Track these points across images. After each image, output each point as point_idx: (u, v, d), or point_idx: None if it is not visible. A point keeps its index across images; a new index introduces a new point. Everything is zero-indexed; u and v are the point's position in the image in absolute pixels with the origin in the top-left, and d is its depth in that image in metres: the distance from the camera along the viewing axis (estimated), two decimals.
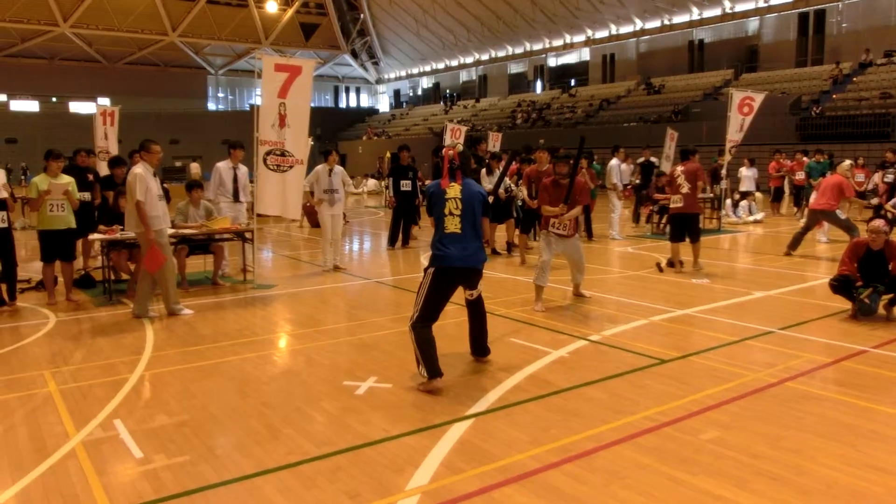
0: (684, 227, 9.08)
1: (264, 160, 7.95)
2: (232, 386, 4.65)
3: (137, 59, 48.79)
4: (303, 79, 7.95)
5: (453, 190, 4.75)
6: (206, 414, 4.12)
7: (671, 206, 9.23)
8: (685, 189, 8.99)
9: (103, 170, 10.16)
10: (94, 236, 7.52)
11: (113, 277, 7.85)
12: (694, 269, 9.06)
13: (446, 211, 4.72)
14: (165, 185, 23.37)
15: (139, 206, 6.37)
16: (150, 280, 6.62)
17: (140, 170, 6.48)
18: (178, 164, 41.08)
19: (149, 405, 4.29)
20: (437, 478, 3.25)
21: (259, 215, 8.92)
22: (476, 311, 5.06)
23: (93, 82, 46.76)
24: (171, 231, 7.82)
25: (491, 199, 5.53)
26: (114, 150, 14.05)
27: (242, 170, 8.88)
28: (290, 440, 3.73)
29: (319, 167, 9.53)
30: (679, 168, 9.19)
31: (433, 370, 4.47)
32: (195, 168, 35.20)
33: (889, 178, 15.09)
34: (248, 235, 8.41)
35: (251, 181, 8.87)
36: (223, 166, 8.90)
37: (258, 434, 3.81)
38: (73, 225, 7.37)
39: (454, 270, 4.71)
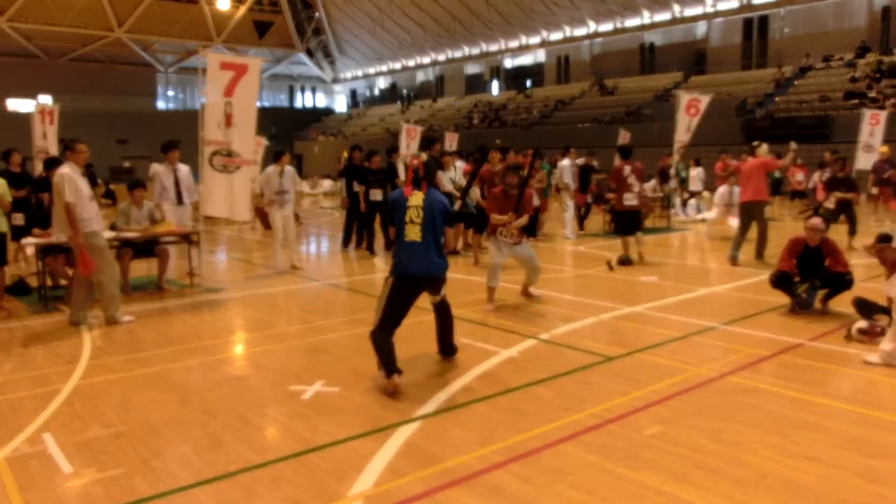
0: (633, 222, 9.63)
1: (210, 160, 7.77)
2: (173, 394, 4.51)
3: (81, 55, 47.05)
4: (249, 77, 7.80)
5: (416, 198, 4.78)
6: (144, 424, 3.99)
7: (625, 203, 9.56)
8: (636, 188, 9.54)
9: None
10: (27, 240, 7.19)
11: (50, 283, 7.55)
12: (641, 259, 9.61)
13: (407, 219, 4.75)
14: (112, 186, 22.52)
15: (69, 207, 6.06)
16: (87, 285, 6.36)
17: (67, 170, 6.16)
18: (126, 164, 39.86)
19: (82, 417, 4.11)
20: (381, 482, 3.21)
21: (209, 217, 8.73)
22: (442, 313, 5.12)
23: (33, 79, 44.75)
24: (111, 234, 7.58)
25: (458, 204, 5.62)
26: (53, 150, 13.57)
27: (183, 170, 8.61)
28: (231, 449, 3.63)
29: (270, 168, 9.45)
30: (627, 167, 9.57)
31: (391, 368, 4.46)
32: (156, 168, 34.15)
33: (826, 176, 15.63)
34: (193, 238, 8.18)
35: (197, 181, 8.65)
36: (161, 170, 8.59)
37: (198, 443, 3.70)
38: (4, 229, 7.04)
39: (413, 279, 4.75)
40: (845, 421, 3.93)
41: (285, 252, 9.55)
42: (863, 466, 3.34)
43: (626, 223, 9.69)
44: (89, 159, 9.59)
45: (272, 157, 9.62)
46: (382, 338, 4.60)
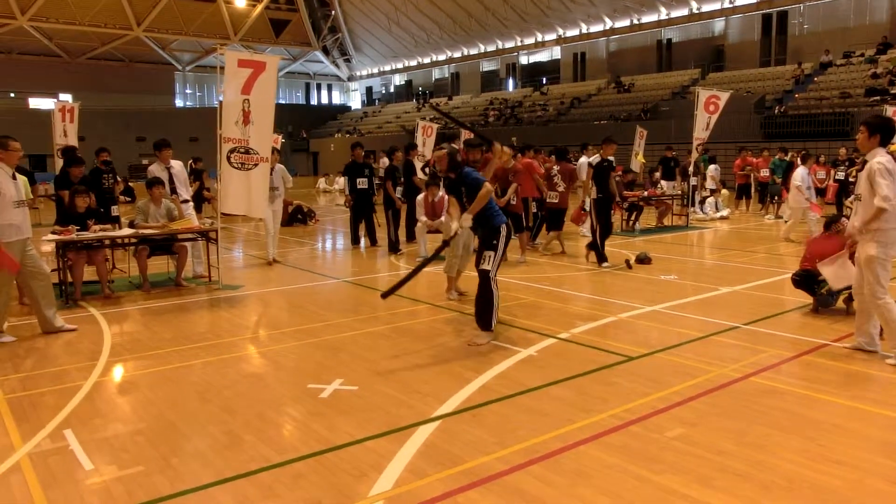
0: (559, 219, 10.42)
1: (228, 158, 7.78)
2: (192, 391, 4.52)
3: (101, 53, 47.55)
4: (267, 75, 7.79)
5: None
6: (164, 421, 3.99)
7: (548, 200, 10.40)
8: (561, 188, 10.35)
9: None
10: (48, 237, 7.25)
11: (70, 279, 7.60)
12: (556, 252, 10.40)
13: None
14: (130, 183, 22.76)
15: None
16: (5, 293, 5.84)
17: None
18: (144, 161, 40.28)
19: (103, 414, 4.13)
20: (401, 483, 3.18)
21: (226, 214, 8.79)
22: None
23: (54, 77, 45.43)
24: (129, 231, 7.63)
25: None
26: None
27: (176, 167, 8.69)
28: (250, 447, 3.62)
29: None
30: (555, 167, 10.46)
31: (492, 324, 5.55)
32: (151, 167, 34.52)
33: (840, 175, 15.38)
34: (212, 235, 8.22)
35: (214, 179, 8.74)
36: (155, 168, 8.59)
37: (217, 441, 3.70)
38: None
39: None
40: (873, 424, 3.84)
41: (272, 245, 10.09)
42: (894, 472, 3.25)
43: (553, 220, 10.48)
44: (109, 157, 9.72)
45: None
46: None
